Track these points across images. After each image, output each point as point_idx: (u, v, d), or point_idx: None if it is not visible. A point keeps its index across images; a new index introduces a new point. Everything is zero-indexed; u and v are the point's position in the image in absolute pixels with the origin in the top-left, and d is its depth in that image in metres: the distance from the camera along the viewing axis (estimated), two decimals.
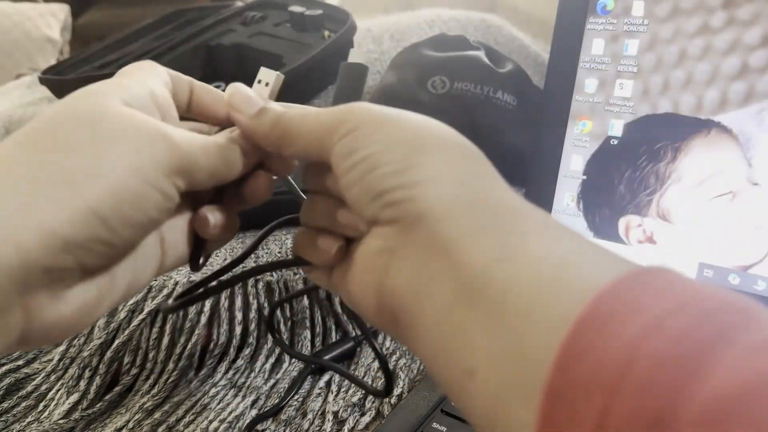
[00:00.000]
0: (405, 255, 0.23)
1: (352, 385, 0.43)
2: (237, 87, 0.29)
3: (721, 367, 0.15)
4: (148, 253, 0.26)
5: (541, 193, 0.49)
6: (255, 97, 0.28)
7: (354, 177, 0.24)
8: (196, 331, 0.46)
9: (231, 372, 0.46)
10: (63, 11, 1.97)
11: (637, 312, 0.17)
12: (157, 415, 0.42)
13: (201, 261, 0.29)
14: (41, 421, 0.42)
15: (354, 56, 0.73)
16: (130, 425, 0.41)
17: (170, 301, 0.45)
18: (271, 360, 0.46)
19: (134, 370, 0.45)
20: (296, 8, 0.71)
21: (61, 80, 0.73)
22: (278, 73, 0.30)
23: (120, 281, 0.25)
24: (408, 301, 0.23)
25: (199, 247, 0.28)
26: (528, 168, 0.50)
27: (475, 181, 0.24)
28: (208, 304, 0.46)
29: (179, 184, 0.25)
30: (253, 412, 0.42)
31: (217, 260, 0.47)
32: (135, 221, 0.23)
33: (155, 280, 0.47)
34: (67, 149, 0.22)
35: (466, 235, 0.22)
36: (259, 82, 0.30)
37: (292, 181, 0.31)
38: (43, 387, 0.45)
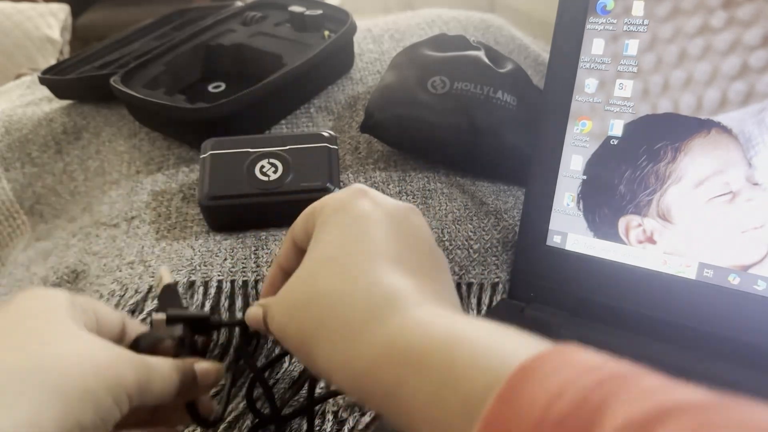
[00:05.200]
0: None
1: None
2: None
3: (612, 413, 0.19)
4: None
5: (541, 193, 0.49)
6: (257, 318, 0.34)
7: None
8: None
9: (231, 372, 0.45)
10: (63, 11, 1.97)
11: (548, 380, 0.21)
12: None
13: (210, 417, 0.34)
14: None
15: (356, 59, 0.72)
16: None
17: None
18: None
19: None
20: (296, 8, 0.71)
21: (61, 80, 0.73)
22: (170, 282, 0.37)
23: None
24: None
25: (195, 413, 0.33)
26: (528, 168, 0.50)
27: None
28: (208, 304, 0.46)
29: (134, 403, 0.29)
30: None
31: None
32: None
33: (156, 281, 0.47)
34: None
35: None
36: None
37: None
38: None
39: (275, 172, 0.49)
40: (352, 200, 0.33)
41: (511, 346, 0.24)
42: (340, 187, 0.45)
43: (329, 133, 0.52)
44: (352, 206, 0.32)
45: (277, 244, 0.48)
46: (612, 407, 0.19)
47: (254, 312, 0.34)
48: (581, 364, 0.21)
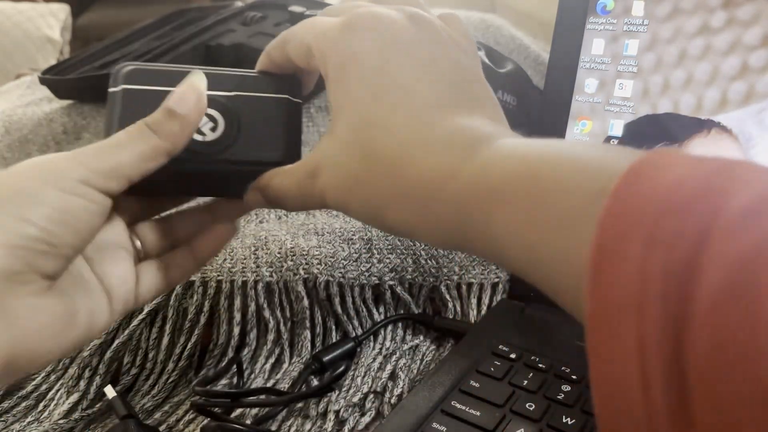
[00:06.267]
0: None
1: (353, 384, 0.43)
2: None
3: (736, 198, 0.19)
4: (94, 289, 0.31)
5: None
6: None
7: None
8: (196, 331, 0.46)
9: (231, 372, 0.45)
10: (63, 11, 1.97)
11: (662, 175, 0.20)
12: (157, 415, 0.42)
13: None
14: (41, 421, 0.42)
15: None
16: None
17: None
18: (271, 360, 0.46)
19: (134, 370, 0.45)
20: (296, 8, 0.71)
21: (61, 80, 0.73)
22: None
23: (80, 308, 0.30)
24: None
25: None
26: None
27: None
28: (207, 304, 0.46)
29: (108, 187, 0.30)
30: (253, 412, 0.42)
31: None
32: (65, 222, 0.28)
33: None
34: None
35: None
36: None
37: None
38: (43, 387, 0.45)
39: (214, 129, 0.34)
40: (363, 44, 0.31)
41: (610, 155, 0.23)
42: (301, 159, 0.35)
43: (293, 78, 0.37)
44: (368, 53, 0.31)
45: (277, 244, 0.48)
46: (736, 189, 0.19)
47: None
48: (690, 159, 0.21)
